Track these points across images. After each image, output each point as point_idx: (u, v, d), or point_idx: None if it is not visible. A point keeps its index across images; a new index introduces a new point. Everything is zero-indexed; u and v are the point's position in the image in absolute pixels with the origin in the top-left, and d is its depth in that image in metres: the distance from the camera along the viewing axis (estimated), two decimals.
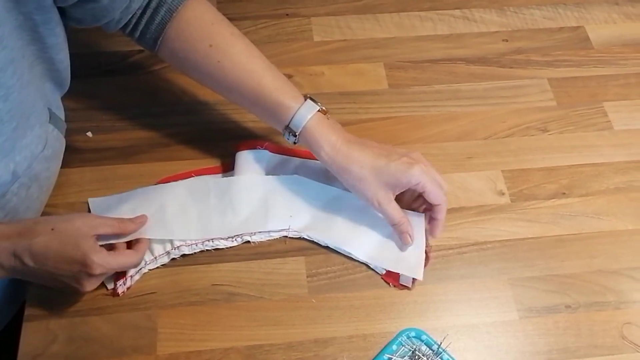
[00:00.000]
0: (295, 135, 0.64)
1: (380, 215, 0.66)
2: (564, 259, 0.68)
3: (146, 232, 0.63)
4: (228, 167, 0.71)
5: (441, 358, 0.60)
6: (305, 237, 0.67)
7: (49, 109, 0.61)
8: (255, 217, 0.66)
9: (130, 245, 0.62)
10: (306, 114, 0.63)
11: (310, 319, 0.63)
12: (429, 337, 0.61)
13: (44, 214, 0.67)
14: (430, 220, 0.66)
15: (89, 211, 0.67)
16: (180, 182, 0.69)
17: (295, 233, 0.67)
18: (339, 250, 0.67)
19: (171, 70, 0.80)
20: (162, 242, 0.65)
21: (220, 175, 0.71)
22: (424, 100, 0.80)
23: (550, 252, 0.69)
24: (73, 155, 0.71)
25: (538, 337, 0.63)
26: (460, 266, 0.67)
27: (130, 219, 0.62)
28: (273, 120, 0.66)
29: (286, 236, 0.67)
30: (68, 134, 0.70)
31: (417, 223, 0.67)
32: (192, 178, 0.70)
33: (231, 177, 0.68)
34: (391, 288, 0.65)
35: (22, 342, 0.60)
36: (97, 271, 0.56)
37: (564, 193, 0.73)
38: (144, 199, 0.67)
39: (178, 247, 0.65)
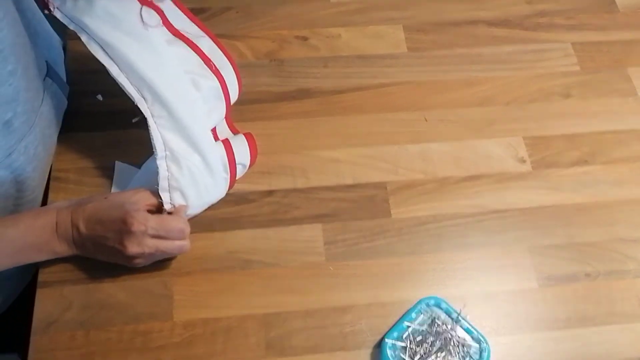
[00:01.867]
0: None
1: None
2: (584, 227, 0.67)
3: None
4: None
5: (460, 326, 0.60)
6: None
7: (47, 62, 0.59)
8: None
9: None
10: None
11: (328, 287, 0.62)
12: (448, 305, 0.61)
13: (53, 179, 0.66)
14: None
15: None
16: None
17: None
18: None
19: None
20: None
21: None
22: (444, 64, 0.78)
23: (570, 220, 0.68)
24: (83, 120, 0.69)
25: (557, 305, 0.63)
26: (479, 234, 0.66)
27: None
28: None
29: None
30: (77, 97, 0.68)
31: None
32: None
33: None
34: (409, 255, 0.64)
35: (37, 308, 0.59)
36: (135, 227, 0.55)
37: (586, 160, 0.72)
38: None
39: None
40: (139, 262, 0.59)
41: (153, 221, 0.57)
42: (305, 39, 0.78)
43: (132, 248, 0.56)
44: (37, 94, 0.57)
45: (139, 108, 0.61)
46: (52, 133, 0.64)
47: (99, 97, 0.71)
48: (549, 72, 0.78)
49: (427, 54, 0.78)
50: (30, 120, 0.57)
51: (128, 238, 0.56)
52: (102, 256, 0.59)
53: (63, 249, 0.58)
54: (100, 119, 0.70)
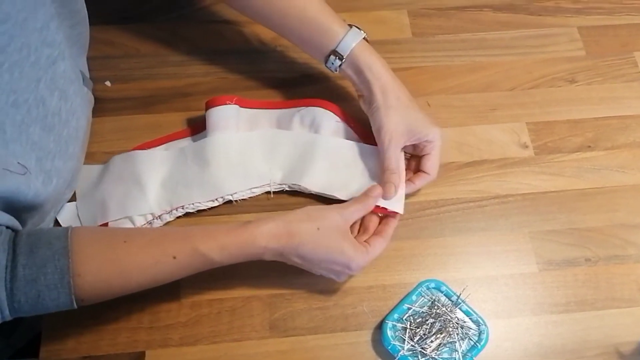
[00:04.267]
0: (341, 59, 0.64)
1: (360, 155, 0.67)
2: (585, 213, 0.68)
3: (127, 209, 0.63)
4: (198, 128, 0.69)
5: (460, 309, 0.61)
6: (288, 188, 0.66)
7: (81, 72, 0.61)
8: (235, 177, 0.65)
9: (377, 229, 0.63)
10: (354, 38, 0.64)
11: None
12: (448, 288, 0.62)
13: None
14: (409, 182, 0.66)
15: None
16: (155, 150, 0.68)
17: (277, 187, 0.66)
18: (323, 196, 0.66)
19: (186, 17, 0.79)
20: (142, 213, 0.64)
21: (190, 138, 0.69)
22: (449, 50, 0.78)
23: (572, 206, 0.68)
24: (92, 105, 0.70)
25: (556, 290, 0.64)
26: (480, 219, 0.67)
27: (366, 195, 0.62)
28: (318, 46, 0.66)
29: (269, 192, 0.67)
30: None
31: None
32: (165, 145, 0.68)
33: (205, 139, 0.67)
34: (411, 240, 0.66)
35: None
36: (357, 272, 0.59)
37: (589, 146, 0.72)
38: (121, 172, 0.66)
39: (159, 216, 0.64)
40: None
41: (369, 259, 0.59)
42: None
43: (345, 278, 0.60)
44: (88, 103, 0.59)
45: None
46: (88, 134, 0.65)
47: (108, 83, 0.73)
48: (554, 57, 0.78)
49: (431, 40, 0.78)
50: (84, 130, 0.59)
51: (346, 276, 0.60)
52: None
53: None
54: (108, 105, 0.72)
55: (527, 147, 0.72)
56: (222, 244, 0.54)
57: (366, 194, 0.62)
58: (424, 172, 0.66)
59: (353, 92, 0.74)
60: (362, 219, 0.63)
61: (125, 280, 0.52)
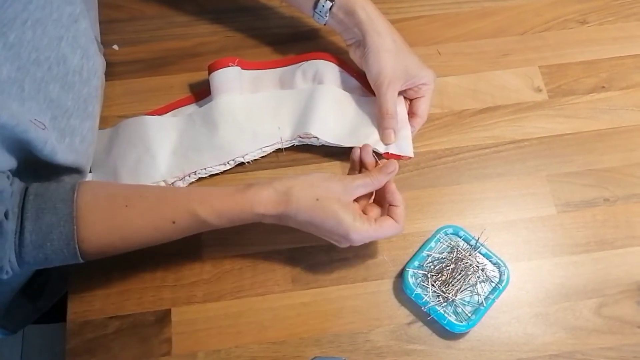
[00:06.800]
0: (332, 0, 0.64)
1: (361, 101, 0.67)
2: (602, 153, 0.67)
3: (140, 177, 0.63)
4: (203, 94, 0.69)
5: (479, 252, 0.61)
6: (298, 143, 0.66)
7: (95, 38, 0.61)
8: (244, 138, 0.65)
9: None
10: None
11: None
12: (466, 233, 0.62)
13: None
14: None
15: None
16: (163, 117, 0.67)
17: (288, 143, 0.66)
18: (332, 146, 0.65)
19: None
20: (155, 180, 0.64)
21: (196, 104, 0.69)
22: None
23: (588, 147, 0.68)
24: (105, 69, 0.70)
25: (576, 231, 0.64)
26: (497, 165, 0.67)
27: (378, 170, 0.58)
28: None
29: (280, 149, 0.66)
30: None
31: (400, 108, 0.66)
32: (172, 112, 0.68)
33: (210, 103, 0.66)
34: (428, 188, 0.66)
35: None
36: (358, 244, 0.57)
37: (604, 87, 0.71)
38: (131, 138, 0.65)
39: (172, 183, 0.64)
40: None
41: (374, 234, 0.56)
42: None
43: (346, 246, 0.58)
44: (101, 68, 0.59)
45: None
46: (101, 97, 0.65)
47: (115, 47, 0.72)
48: None
49: None
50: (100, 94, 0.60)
51: (346, 243, 0.57)
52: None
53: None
54: (118, 68, 0.71)
55: (540, 90, 0.71)
56: (220, 210, 0.54)
57: (380, 170, 0.58)
58: (416, 115, 0.66)
59: None
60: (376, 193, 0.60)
61: (127, 244, 0.55)
